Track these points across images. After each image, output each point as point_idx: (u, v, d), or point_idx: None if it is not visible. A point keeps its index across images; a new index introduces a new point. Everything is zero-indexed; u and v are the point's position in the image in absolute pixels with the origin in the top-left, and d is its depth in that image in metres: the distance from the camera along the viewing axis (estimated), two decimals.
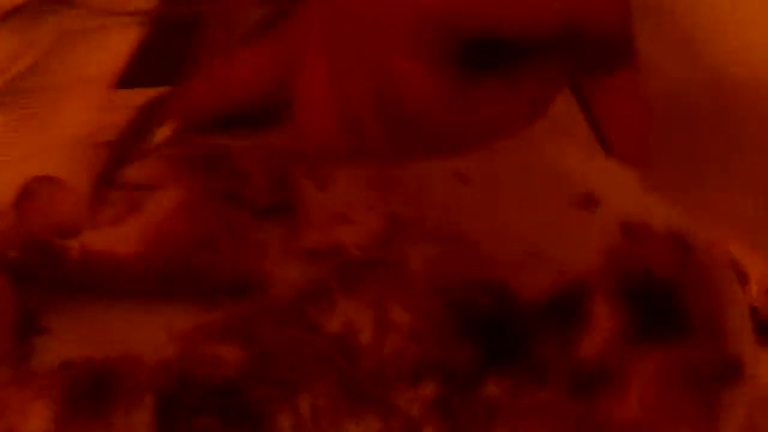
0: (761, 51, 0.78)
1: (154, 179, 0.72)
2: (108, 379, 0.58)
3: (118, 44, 0.85)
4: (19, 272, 0.66)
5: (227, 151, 0.73)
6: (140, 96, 0.75)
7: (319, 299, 0.60)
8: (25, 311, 0.64)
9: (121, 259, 0.65)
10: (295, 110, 0.50)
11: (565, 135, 0.77)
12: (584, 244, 0.65)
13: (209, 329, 0.61)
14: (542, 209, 0.70)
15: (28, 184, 0.70)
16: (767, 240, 0.78)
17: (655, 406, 0.54)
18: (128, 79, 0.83)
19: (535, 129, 0.78)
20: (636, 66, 0.52)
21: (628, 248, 0.63)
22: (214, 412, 0.55)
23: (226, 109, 0.63)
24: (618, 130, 0.76)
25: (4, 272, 0.65)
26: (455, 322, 0.58)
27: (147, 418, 0.56)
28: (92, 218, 0.68)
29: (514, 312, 0.59)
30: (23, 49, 0.86)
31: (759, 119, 0.79)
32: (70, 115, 0.84)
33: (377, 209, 0.70)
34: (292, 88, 0.52)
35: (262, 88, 0.59)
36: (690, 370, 0.55)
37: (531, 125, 0.56)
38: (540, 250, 0.66)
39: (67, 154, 0.73)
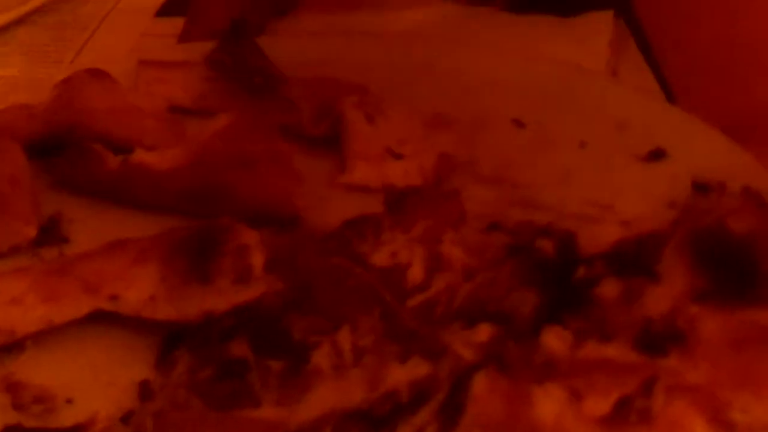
0: None
1: (208, 105, 0.66)
2: (213, 237, 0.52)
3: None
4: (52, 167, 0.60)
5: (281, 81, 0.66)
6: (176, 24, 0.79)
7: (365, 229, 0.53)
8: (50, 218, 0.58)
9: (158, 174, 0.58)
10: None
11: (631, 86, 0.69)
12: (652, 198, 0.58)
13: None
14: (605, 159, 0.62)
15: (75, 73, 0.65)
16: None
17: (732, 372, 0.46)
18: (167, 8, 0.85)
19: (599, 79, 0.72)
20: None
21: (701, 204, 0.55)
22: (247, 340, 0.47)
23: None
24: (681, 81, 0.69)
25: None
26: (513, 263, 0.51)
27: (258, 272, 0.51)
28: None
29: (576, 260, 0.51)
30: None
31: None
32: (116, 39, 0.82)
33: (429, 147, 0.63)
34: None
35: None
36: None
37: None
38: (603, 201, 0.59)
39: (116, 70, 0.67)
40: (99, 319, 0.51)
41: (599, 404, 0.44)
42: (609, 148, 0.63)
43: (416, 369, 0.46)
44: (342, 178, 0.61)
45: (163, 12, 0.84)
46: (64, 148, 0.61)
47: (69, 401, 0.49)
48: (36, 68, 0.77)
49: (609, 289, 0.50)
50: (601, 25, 0.77)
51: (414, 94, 0.67)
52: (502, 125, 0.66)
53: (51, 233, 0.58)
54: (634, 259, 0.51)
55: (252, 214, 0.56)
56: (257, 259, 0.51)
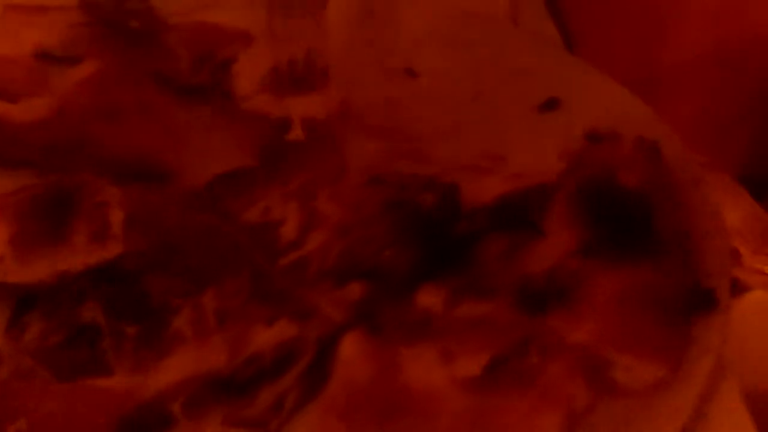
0: None
1: (78, 52, 0.63)
2: (69, 194, 0.50)
3: None
4: None
5: (160, 26, 0.64)
6: None
7: (238, 184, 0.51)
8: None
9: (18, 126, 0.56)
10: None
11: (529, 34, 0.68)
12: (544, 149, 0.57)
13: None
14: (499, 110, 0.61)
15: None
16: None
17: (615, 331, 0.45)
18: None
19: (496, 27, 0.70)
20: None
21: (592, 154, 0.54)
22: (100, 303, 0.46)
23: None
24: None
25: None
26: (391, 219, 0.49)
27: (117, 230, 0.49)
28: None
29: (458, 215, 0.50)
30: None
31: None
32: None
33: (316, 96, 0.61)
34: None
35: None
36: (656, 295, 0.47)
37: None
38: (494, 152, 0.57)
39: None
40: None
41: (471, 365, 0.43)
42: (503, 97, 0.61)
43: (283, 332, 0.45)
44: (220, 128, 0.60)
45: None
46: None
47: None
48: None
49: (491, 244, 0.49)
50: None
51: None
52: (393, 74, 0.64)
53: None
54: (519, 213, 0.50)
55: (119, 169, 0.54)
56: (116, 217, 0.49)
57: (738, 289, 0.85)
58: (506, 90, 0.62)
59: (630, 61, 0.68)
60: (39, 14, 0.66)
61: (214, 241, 0.49)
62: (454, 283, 0.47)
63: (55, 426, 0.43)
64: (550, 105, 0.60)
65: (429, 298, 0.46)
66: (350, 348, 0.44)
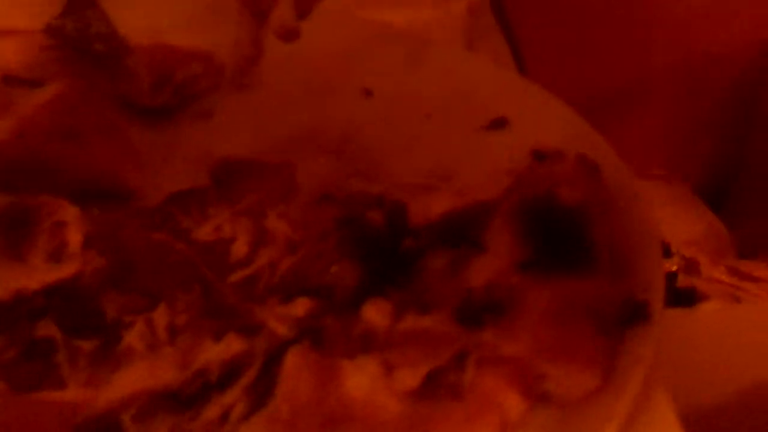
0: None
1: (44, 75, 0.65)
2: (27, 213, 0.52)
3: None
4: None
5: (123, 49, 0.66)
6: None
7: (190, 203, 0.53)
8: None
9: None
10: None
11: (481, 55, 0.70)
12: (491, 167, 0.59)
13: None
14: (449, 129, 0.63)
15: None
16: None
17: (548, 343, 0.47)
18: None
19: (449, 47, 0.72)
20: None
21: (535, 171, 0.56)
22: (55, 320, 0.47)
23: None
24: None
25: None
26: (338, 236, 0.51)
27: (75, 249, 0.50)
28: None
29: (404, 232, 0.52)
30: None
31: None
32: None
33: (273, 120, 0.63)
34: None
35: None
36: (591, 308, 0.49)
37: None
38: (444, 170, 0.59)
39: None
40: None
41: (409, 377, 0.44)
42: (454, 117, 0.63)
43: (230, 346, 0.47)
44: (177, 150, 0.61)
45: None
46: None
47: None
48: None
49: (435, 260, 0.51)
50: None
51: (266, 64, 0.68)
52: (350, 95, 0.66)
53: None
54: (462, 230, 0.52)
55: (78, 190, 0.56)
56: (74, 236, 0.51)
57: (696, 297, 0.88)
58: (456, 110, 0.64)
59: (580, 84, 0.70)
60: (5, 38, 0.68)
61: (167, 259, 0.51)
62: (398, 297, 0.49)
63: None
64: (498, 124, 0.62)
65: (374, 313, 0.48)
66: (294, 361, 0.45)
